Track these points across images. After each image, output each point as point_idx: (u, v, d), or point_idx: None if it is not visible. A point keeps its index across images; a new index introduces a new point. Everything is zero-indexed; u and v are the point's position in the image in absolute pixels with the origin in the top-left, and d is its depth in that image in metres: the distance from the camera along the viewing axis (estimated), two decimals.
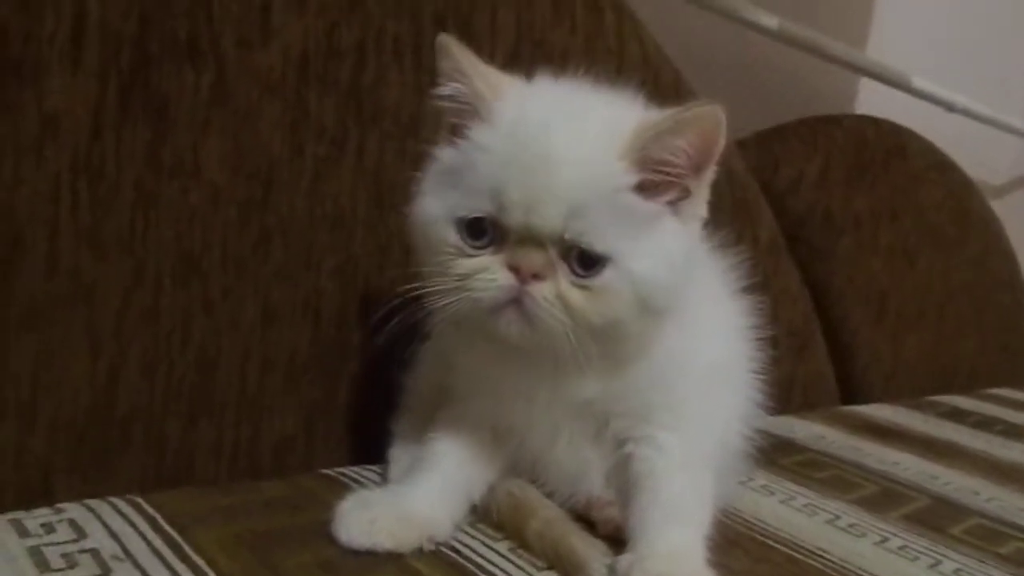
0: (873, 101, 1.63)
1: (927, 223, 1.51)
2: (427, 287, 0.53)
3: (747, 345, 0.67)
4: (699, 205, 0.54)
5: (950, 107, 1.68)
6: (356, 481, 0.67)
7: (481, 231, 0.51)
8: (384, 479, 0.65)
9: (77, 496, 0.57)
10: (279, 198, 0.68)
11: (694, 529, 0.56)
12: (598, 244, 0.50)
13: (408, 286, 0.53)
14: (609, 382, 0.56)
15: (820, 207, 1.33)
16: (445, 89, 0.54)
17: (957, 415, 1.26)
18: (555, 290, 0.50)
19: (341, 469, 0.69)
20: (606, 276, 0.50)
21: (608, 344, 0.53)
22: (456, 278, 0.51)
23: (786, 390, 1.18)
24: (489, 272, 0.51)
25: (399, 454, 0.65)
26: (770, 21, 1.30)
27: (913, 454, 0.99)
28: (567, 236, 0.50)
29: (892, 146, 1.45)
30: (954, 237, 1.57)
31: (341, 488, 0.62)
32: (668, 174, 0.52)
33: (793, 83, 1.51)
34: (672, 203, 0.53)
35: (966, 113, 1.72)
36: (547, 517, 0.58)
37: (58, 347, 0.59)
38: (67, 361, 0.59)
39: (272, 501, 0.61)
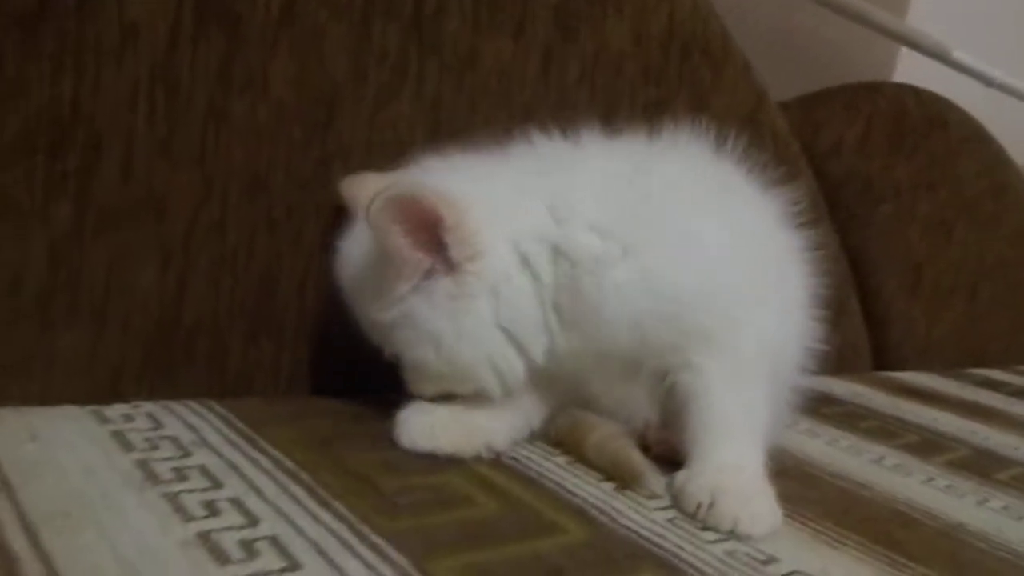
0: (911, 73, 1.61)
1: (965, 196, 1.50)
2: None
3: (796, 275, 0.67)
4: (464, 250, 0.55)
5: (989, 82, 1.66)
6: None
7: None
8: None
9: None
10: (341, 121, 0.69)
11: (748, 443, 0.56)
12: (388, 348, 0.59)
13: None
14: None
15: (860, 173, 1.33)
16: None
17: (992, 384, 1.26)
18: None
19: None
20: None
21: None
22: None
23: (820, 357, 1.17)
24: None
25: None
26: None
27: (951, 413, 0.99)
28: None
29: (933, 115, 1.44)
30: (991, 212, 1.56)
31: (401, 404, 0.63)
32: (405, 264, 0.55)
33: (832, 52, 1.50)
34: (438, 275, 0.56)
35: (1004, 89, 1.70)
36: (606, 432, 0.59)
37: (130, 255, 0.60)
38: (138, 269, 0.61)
39: (334, 410, 0.62)
